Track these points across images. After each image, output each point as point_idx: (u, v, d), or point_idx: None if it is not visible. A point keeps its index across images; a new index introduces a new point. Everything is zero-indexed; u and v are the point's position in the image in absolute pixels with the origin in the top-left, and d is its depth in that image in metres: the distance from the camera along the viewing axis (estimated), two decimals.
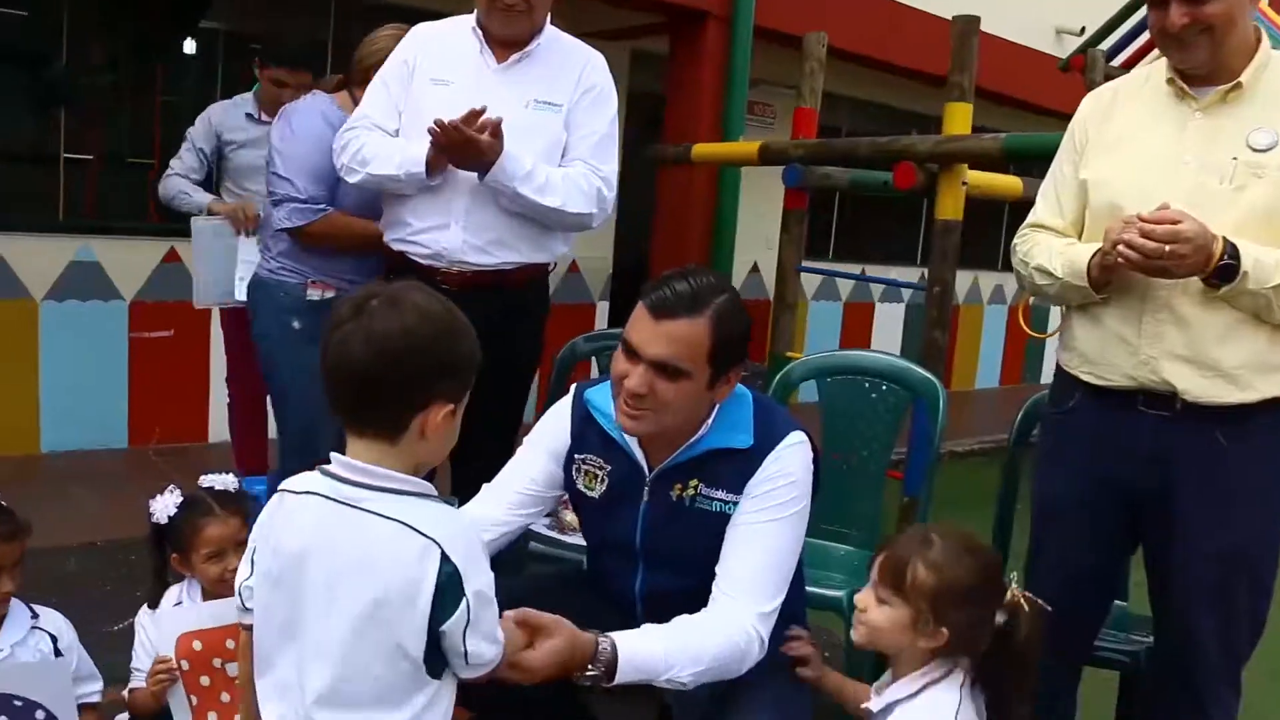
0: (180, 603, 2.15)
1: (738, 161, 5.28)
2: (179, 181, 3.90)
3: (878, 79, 7.69)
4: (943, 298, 4.14)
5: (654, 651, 1.67)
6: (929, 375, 2.82)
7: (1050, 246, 2.07)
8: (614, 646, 1.63)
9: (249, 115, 3.87)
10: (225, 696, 2.08)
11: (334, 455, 1.38)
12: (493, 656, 1.41)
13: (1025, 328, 5.05)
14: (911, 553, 1.67)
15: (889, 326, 9.06)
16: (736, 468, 1.82)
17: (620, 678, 1.63)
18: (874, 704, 1.75)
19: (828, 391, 2.94)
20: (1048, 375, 10.35)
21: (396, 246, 2.58)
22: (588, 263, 6.79)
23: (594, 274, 6.93)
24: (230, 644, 2.05)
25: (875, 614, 1.71)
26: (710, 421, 1.85)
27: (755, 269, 7.85)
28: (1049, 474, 2.15)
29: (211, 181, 4.05)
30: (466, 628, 1.34)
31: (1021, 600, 1.66)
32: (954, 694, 1.67)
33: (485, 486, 1.97)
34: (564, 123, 2.55)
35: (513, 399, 2.72)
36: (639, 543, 1.88)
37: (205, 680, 2.07)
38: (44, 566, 3.68)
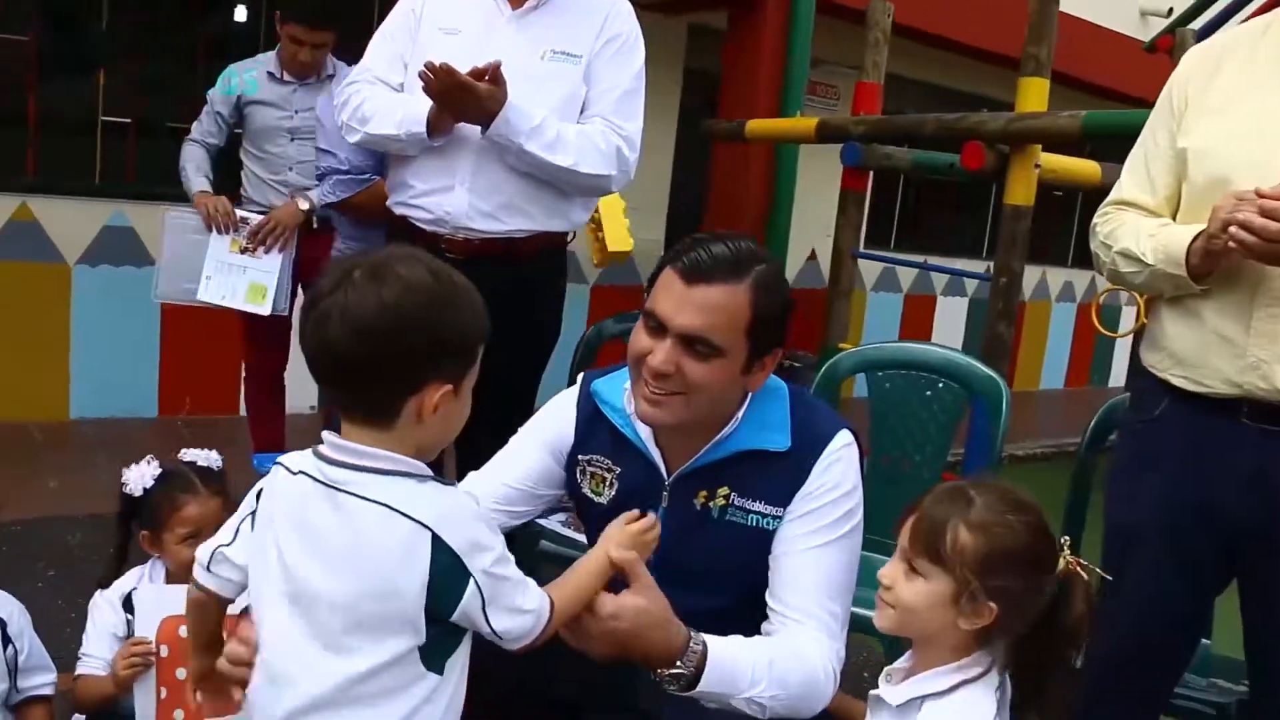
0: (136, 588, 1.95)
1: (794, 138, 4.99)
2: (189, 153, 3.73)
3: (945, 61, 7.36)
4: (1009, 289, 3.86)
5: (741, 661, 1.46)
6: (991, 373, 2.55)
7: (1139, 228, 1.78)
8: (706, 646, 1.43)
9: (270, 74, 3.68)
10: (198, 696, 1.89)
11: (325, 433, 1.24)
12: (529, 627, 1.27)
13: (1098, 325, 4.75)
14: (951, 513, 1.37)
15: (951, 321, 8.77)
16: (776, 475, 1.58)
17: (704, 685, 1.42)
18: (889, 693, 1.44)
19: (878, 387, 2.68)
20: (1116, 379, 10.22)
21: (399, 211, 2.38)
22: (638, 244, 6.56)
23: (645, 255, 6.69)
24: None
25: (906, 590, 1.39)
26: (740, 415, 1.60)
27: (813, 256, 7.57)
28: (1128, 492, 1.85)
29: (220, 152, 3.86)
30: (485, 607, 1.22)
31: (1077, 566, 1.38)
32: (989, 700, 1.37)
33: (471, 474, 1.74)
34: (583, 76, 2.32)
35: (525, 384, 2.49)
36: (656, 556, 1.64)
37: (181, 672, 1.86)
38: (53, 536, 3.58)
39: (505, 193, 2.27)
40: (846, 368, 2.70)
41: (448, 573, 1.18)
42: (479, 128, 2.21)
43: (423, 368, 1.20)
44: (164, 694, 1.86)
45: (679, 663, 1.42)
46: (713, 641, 1.45)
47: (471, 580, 1.20)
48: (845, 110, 6.77)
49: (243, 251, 3.63)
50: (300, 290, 3.85)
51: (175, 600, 1.84)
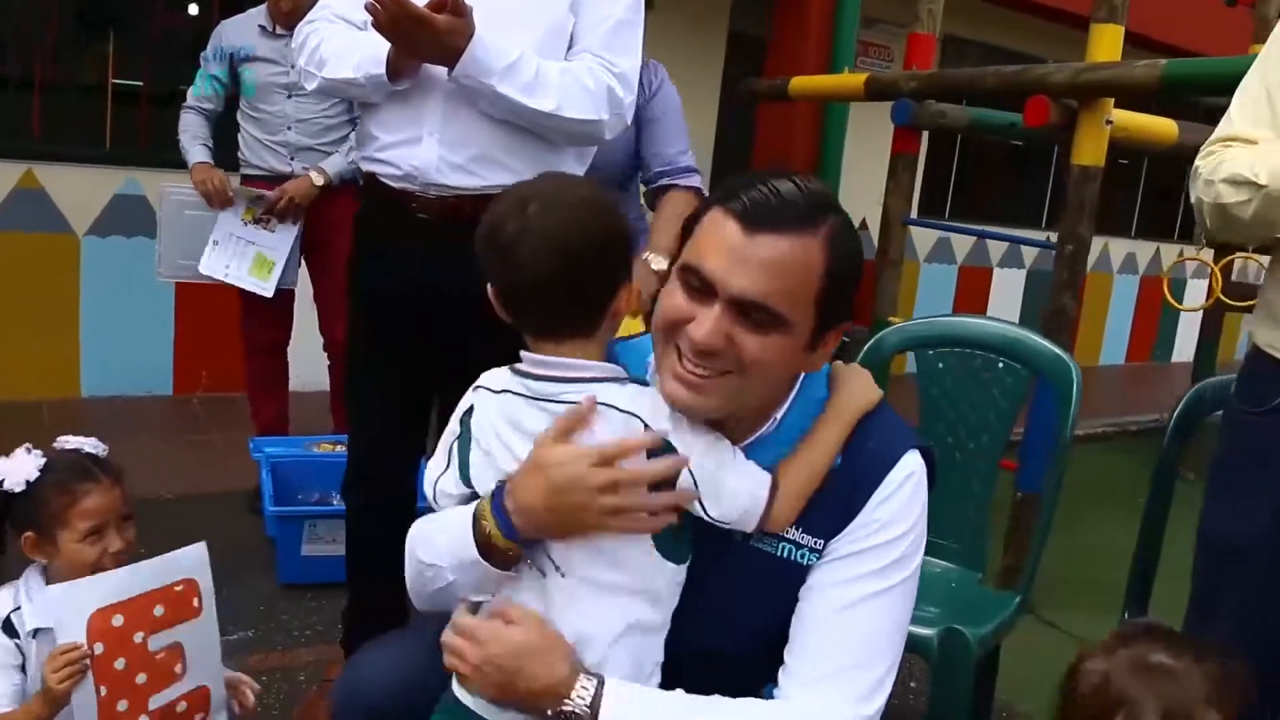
0: (19, 608, 1.67)
1: (841, 96, 4.62)
2: (186, 121, 3.51)
3: (1006, 20, 6.96)
4: (1075, 258, 3.48)
5: (656, 709, 1.18)
6: (1060, 351, 2.22)
7: (1252, 151, 1.47)
8: (599, 691, 1.18)
9: (261, 28, 3.42)
10: (142, 677, 1.66)
11: (523, 353, 1.31)
12: (749, 497, 1.22)
13: (1168, 297, 4.37)
14: (1184, 698, 1.08)
15: (1009, 295, 8.40)
16: (819, 497, 1.25)
17: None
18: None
19: (928, 367, 2.36)
20: (1180, 354, 9.77)
21: (366, 167, 2.09)
22: None
23: None
24: (159, 610, 1.68)
25: None
26: (785, 408, 1.29)
27: (863, 225, 7.22)
28: (1233, 499, 1.52)
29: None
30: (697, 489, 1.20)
31: None
32: None
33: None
34: (569, 5, 2.00)
35: (511, 356, 2.16)
36: None
37: (121, 663, 1.63)
38: None
39: (480, 143, 1.97)
40: (892, 345, 2.38)
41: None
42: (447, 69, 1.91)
43: (619, 273, 1.31)
44: (104, 691, 1.62)
45: (567, 700, 1.17)
46: (616, 689, 1.19)
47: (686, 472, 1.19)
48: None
49: (255, 222, 3.41)
50: (304, 261, 3.62)
51: (93, 593, 1.62)
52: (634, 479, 1.18)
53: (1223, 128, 1.54)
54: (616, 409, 1.23)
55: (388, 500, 2.25)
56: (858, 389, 1.31)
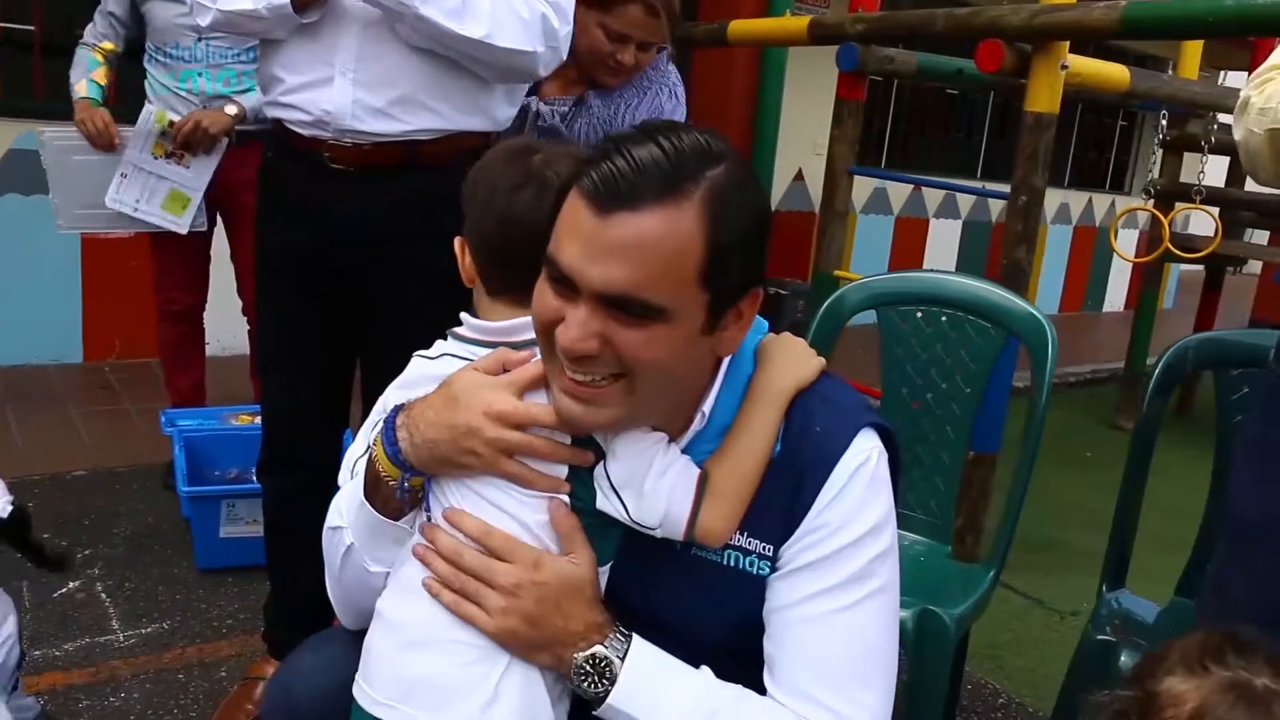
0: None
1: (783, 40, 4.43)
2: (78, 57, 3.21)
3: None
4: (1029, 209, 3.38)
5: (678, 690, 1.05)
6: (1033, 310, 2.09)
7: None
8: (630, 644, 1.06)
9: None
10: None
11: (466, 318, 1.22)
12: (669, 500, 1.06)
13: (1115, 248, 4.29)
14: None
15: (944, 246, 8.35)
16: (764, 495, 1.08)
17: (618, 698, 1.04)
18: None
19: (891, 326, 2.22)
20: (1110, 305, 9.85)
21: (270, 113, 1.87)
22: None
23: None
24: None
25: None
26: (712, 401, 1.10)
27: (799, 176, 7.09)
28: (1266, 472, 1.37)
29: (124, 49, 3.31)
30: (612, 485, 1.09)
31: None
32: None
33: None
34: None
35: (435, 327, 1.96)
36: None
37: None
38: None
39: (401, 83, 1.76)
40: (854, 303, 2.23)
41: None
42: None
43: None
44: None
45: (605, 644, 1.05)
46: (642, 648, 1.07)
47: None
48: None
49: (167, 157, 3.12)
50: (220, 219, 3.36)
51: None
52: (532, 420, 1.05)
53: (1275, 57, 1.39)
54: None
55: (307, 482, 2.05)
56: (785, 362, 1.13)
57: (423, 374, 1.19)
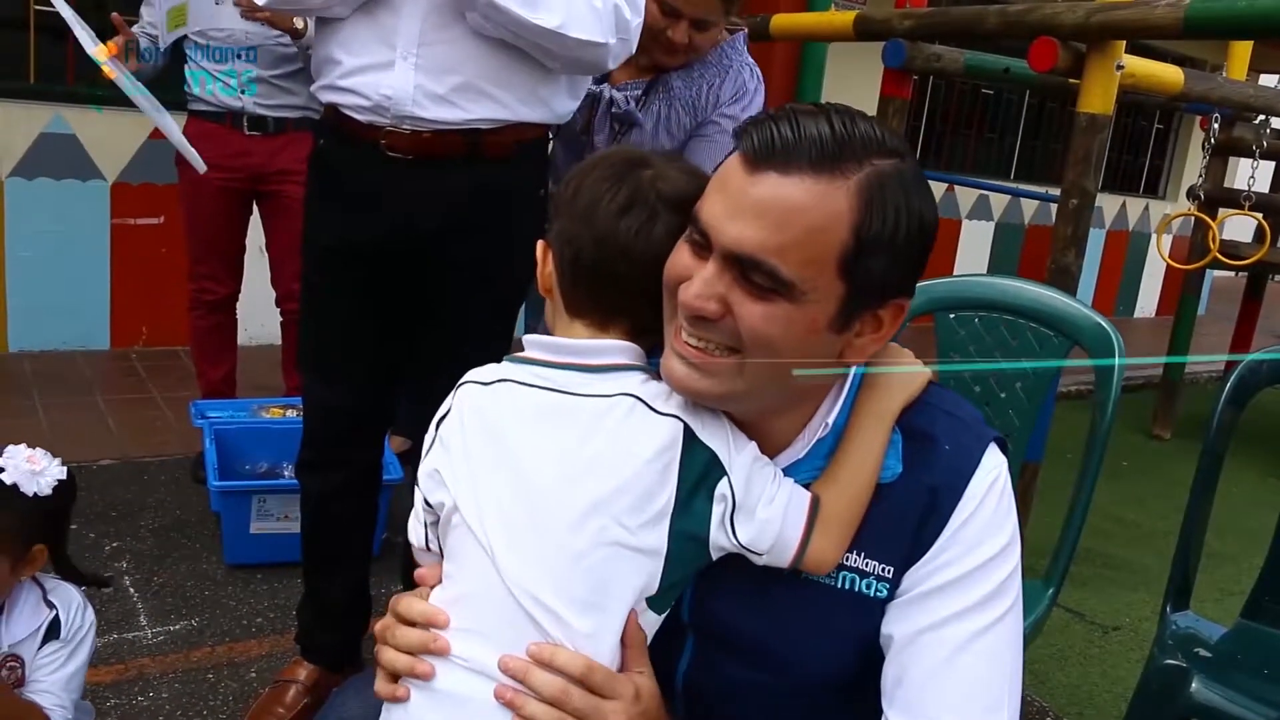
0: None
1: (828, 35, 4.34)
2: None
3: None
4: (1079, 213, 3.28)
5: None
6: (1100, 320, 2.01)
7: None
8: None
9: None
10: None
11: (529, 339, 1.09)
12: (783, 526, 0.99)
13: (1161, 255, 4.20)
14: None
15: (977, 247, 8.25)
16: (885, 515, 1.01)
17: None
18: None
19: (949, 332, 2.15)
20: (1142, 310, 9.72)
21: (326, 98, 1.81)
22: None
23: None
24: None
25: None
26: (837, 409, 1.04)
27: None
28: None
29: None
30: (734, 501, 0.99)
31: None
32: None
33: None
34: None
35: (496, 321, 1.90)
36: (688, 613, 1.08)
37: None
38: None
39: (464, 69, 1.69)
40: (912, 308, 2.14)
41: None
42: None
43: None
44: None
45: None
46: None
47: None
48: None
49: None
50: (255, 208, 3.30)
51: None
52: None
53: None
54: (655, 410, 0.99)
55: (349, 481, 2.00)
56: (893, 376, 1.06)
57: (471, 408, 1.06)
